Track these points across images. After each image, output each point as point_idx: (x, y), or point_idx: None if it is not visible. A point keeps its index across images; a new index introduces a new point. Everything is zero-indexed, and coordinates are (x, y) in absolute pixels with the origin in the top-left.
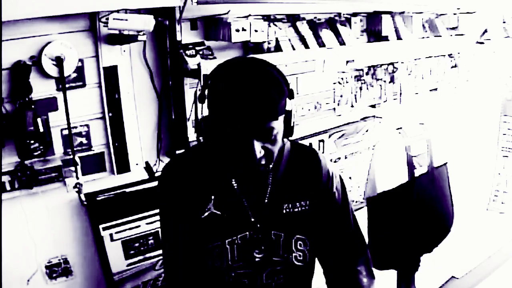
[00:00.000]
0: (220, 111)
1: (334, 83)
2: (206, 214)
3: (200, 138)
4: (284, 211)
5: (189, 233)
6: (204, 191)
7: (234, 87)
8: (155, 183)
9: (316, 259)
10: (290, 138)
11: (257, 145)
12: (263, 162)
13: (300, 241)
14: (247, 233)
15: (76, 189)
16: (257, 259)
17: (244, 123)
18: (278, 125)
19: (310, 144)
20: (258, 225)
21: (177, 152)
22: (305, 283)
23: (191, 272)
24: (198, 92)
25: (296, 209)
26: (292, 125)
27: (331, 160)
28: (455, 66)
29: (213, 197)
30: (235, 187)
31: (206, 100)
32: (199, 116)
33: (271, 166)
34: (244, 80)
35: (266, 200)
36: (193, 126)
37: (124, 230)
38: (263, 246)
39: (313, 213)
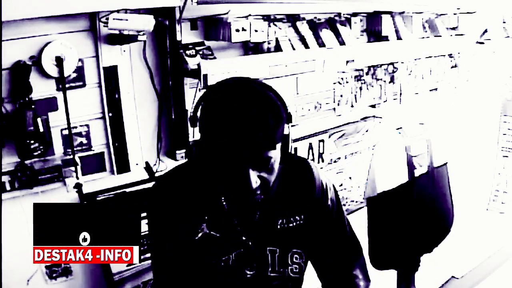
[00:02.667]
0: (214, 138)
1: (334, 83)
2: (199, 235)
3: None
4: (279, 227)
5: (183, 253)
6: (195, 210)
7: (229, 114)
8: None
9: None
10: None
11: (253, 175)
12: (258, 192)
13: (296, 255)
14: (241, 250)
15: (76, 189)
16: (248, 276)
17: (239, 153)
18: (275, 154)
19: (310, 144)
20: (250, 243)
21: (177, 152)
22: None
23: None
24: (190, 114)
25: (291, 224)
26: (289, 151)
27: (331, 160)
28: (455, 66)
29: (206, 217)
30: (225, 205)
31: (198, 124)
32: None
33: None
34: (241, 107)
35: (256, 217)
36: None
37: None
38: (255, 263)
39: (309, 227)
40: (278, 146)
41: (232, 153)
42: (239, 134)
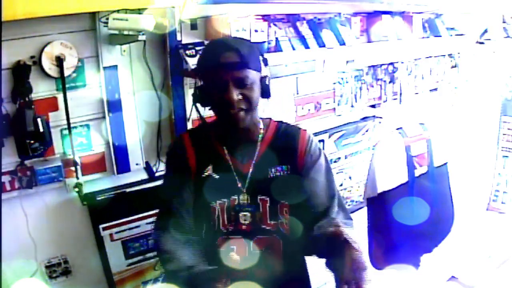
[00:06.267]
0: (204, 69)
1: (334, 83)
2: (205, 174)
3: (196, 104)
4: (269, 177)
5: (190, 192)
6: (204, 156)
7: (212, 46)
8: (155, 183)
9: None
10: (280, 120)
11: (234, 90)
12: (243, 106)
13: (285, 208)
14: (236, 197)
15: (76, 189)
16: (244, 227)
17: (222, 72)
18: (252, 76)
19: None
20: (244, 191)
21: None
22: (296, 264)
23: (186, 234)
24: (194, 67)
25: (278, 174)
26: (268, 85)
27: (331, 160)
28: (455, 66)
29: (212, 162)
30: (226, 154)
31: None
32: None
33: (251, 114)
34: (221, 42)
35: (251, 168)
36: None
37: (124, 230)
38: (249, 211)
39: (293, 175)
40: (255, 73)
41: (217, 75)
42: (222, 59)
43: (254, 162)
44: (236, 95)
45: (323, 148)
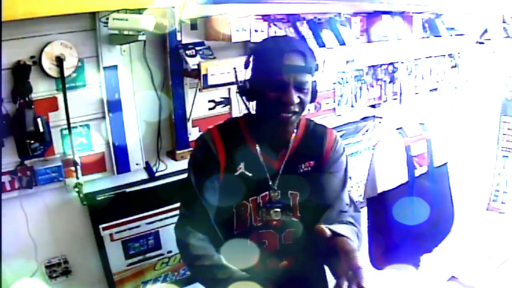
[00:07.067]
0: (264, 66)
1: (334, 83)
2: (238, 172)
3: (244, 97)
4: (298, 172)
5: (217, 188)
6: (235, 154)
7: (275, 45)
8: (155, 183)
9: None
10: (309, 118)
11: (294, 93)
12: (296, 109)
13: (310, 199)
14: (267, 193)
15: (76, 189)
16: (275, 222)
17: (284, 71)
18: (309, 81)
19: None
20: (275, 187)
21: (178, 152)
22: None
23: (212, 230)
24: (244, 59)
25: (306, 169)
26: (317, 90)
27: None
28: (455, 66)
29: (244, 159)
30: (259, 151)
31: (250, 65)
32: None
33: (299, 118)
34: (285, 42)
35: (282, 165)
36: (236, 92)
37: (124, 230)
38: (280, 207)
39: (318, 169)
40: (311, 78)
41: (279, 76)
42: (286, 61)
43: (286, 159)
44: (295, 98)
45: None
